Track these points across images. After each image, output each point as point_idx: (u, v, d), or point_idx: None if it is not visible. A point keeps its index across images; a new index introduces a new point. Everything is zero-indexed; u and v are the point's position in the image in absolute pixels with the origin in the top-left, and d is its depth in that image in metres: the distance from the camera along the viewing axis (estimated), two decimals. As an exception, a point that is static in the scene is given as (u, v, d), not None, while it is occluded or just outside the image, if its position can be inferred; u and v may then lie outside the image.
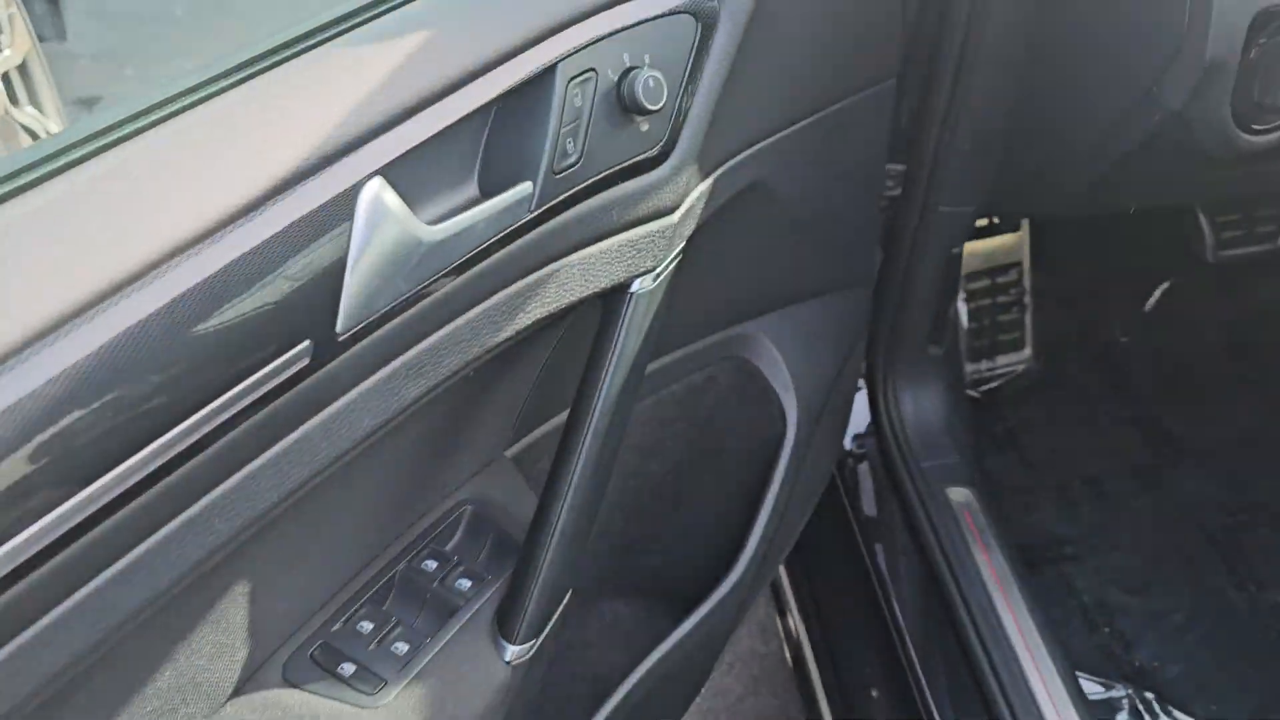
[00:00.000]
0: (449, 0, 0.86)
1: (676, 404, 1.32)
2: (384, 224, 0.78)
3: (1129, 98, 1.28)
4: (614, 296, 1.01)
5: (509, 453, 1.15)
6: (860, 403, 1.78)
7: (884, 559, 1.72)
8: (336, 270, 0.76)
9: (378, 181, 0.77)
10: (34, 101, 2.73)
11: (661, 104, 0.93)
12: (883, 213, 1.64)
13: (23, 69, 2.74)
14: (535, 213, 0.89)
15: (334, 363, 0.78)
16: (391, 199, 0.78)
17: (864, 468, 1.77)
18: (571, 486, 1.03)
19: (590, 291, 0.97)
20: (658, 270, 1.02)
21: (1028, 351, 2.04)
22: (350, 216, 0.76)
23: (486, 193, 0.88)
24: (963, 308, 1.96)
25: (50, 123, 2.70)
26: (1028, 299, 2.02)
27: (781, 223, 1.25)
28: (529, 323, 0.93)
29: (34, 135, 2.62)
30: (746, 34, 1.01)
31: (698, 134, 1.00)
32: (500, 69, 0.86)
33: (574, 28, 0.90)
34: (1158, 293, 2.09)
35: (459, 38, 0.85)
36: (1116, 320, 2.10)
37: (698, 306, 1.25)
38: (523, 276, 0.91)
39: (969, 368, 2.00)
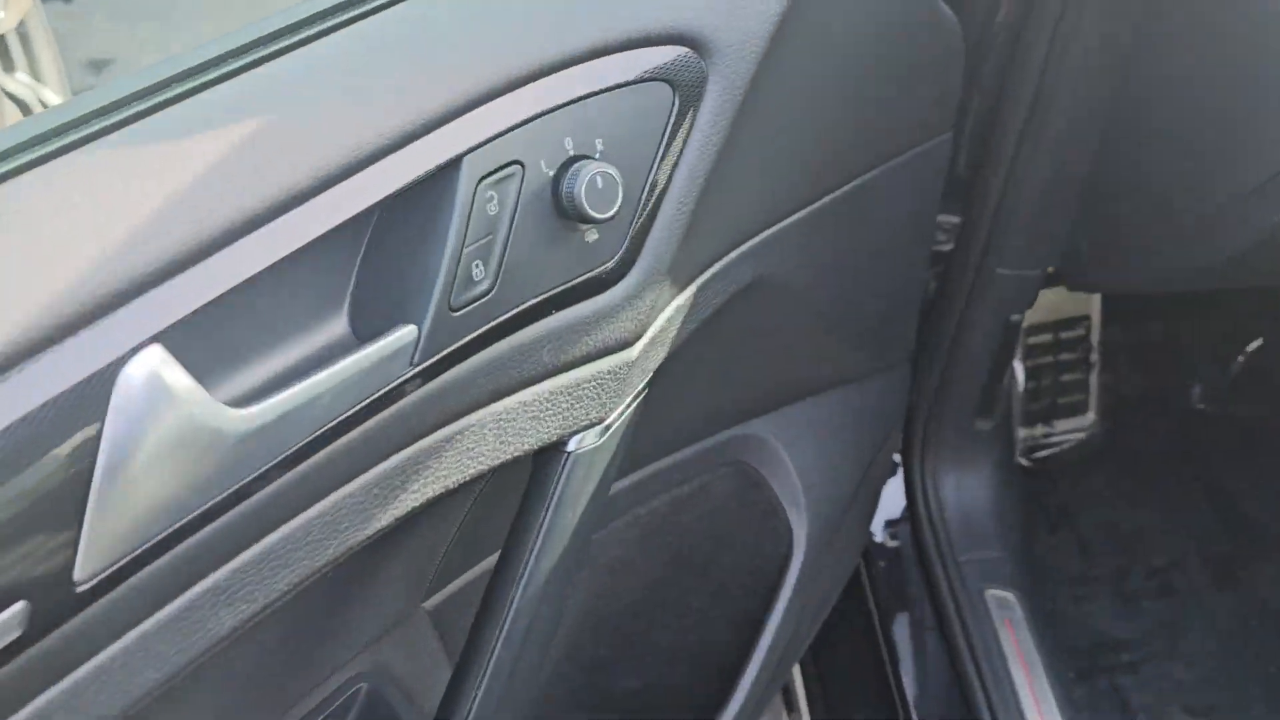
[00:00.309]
0: (296, 69, 0.59)
1: (657, 521, 1.05)
2: (160, 417, 0.51)
3: (1256, 177, 0.98)
4: (545, 455, 0.74)
5: (428, 604, 0.89)
6: (895, 483, 1.50)
7: (910, 666, 1.45)
8: (71, 496, 0.49)
9: (154, 354, 0.51)
10: (33, 67, 2.48)
11: (615, 210, 0.65)
12: (931, 269, 1.35)
13: (21, 31, 2.49)
14: (419, 367, 0.62)
15: (72, 622, 0.52)
16: (176, 378, 0.51)
17: (894, 558, 1.49)
18: (484, 684, 0.77)
19: (506, 457, 0.70)
20: (608, 422, 0.74)
21: (1091, 416, 1.74)
22: (100, 413, 0.49)
23: (362, 335, 0.62)
24: (1019, 366, 1.66)
25: (46, 91, 2.45)
26: (1094, 357, 1.71)
27: (797, 315, 0.97)
28: (416, 504, 0.67)
29: (24, 107, 2.38)
30: (749, 100, 0.73)
31: (670, 239, 0.72)
32: (373, 169, 0.59)
33: (489, 106, 0.62)
34: (1246, 353, 1.77)
35: (307, 126, 0.57)
36: (1196, 383, 1.79)
37: (685, 409, 0.98)
38: (403, 447, 0.64)
39: (1022, 433, 1.70)
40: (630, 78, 0.67)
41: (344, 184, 0.58)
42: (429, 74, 0.61)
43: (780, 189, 0.84)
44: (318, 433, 0.58)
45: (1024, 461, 1.72)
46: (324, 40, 0.60)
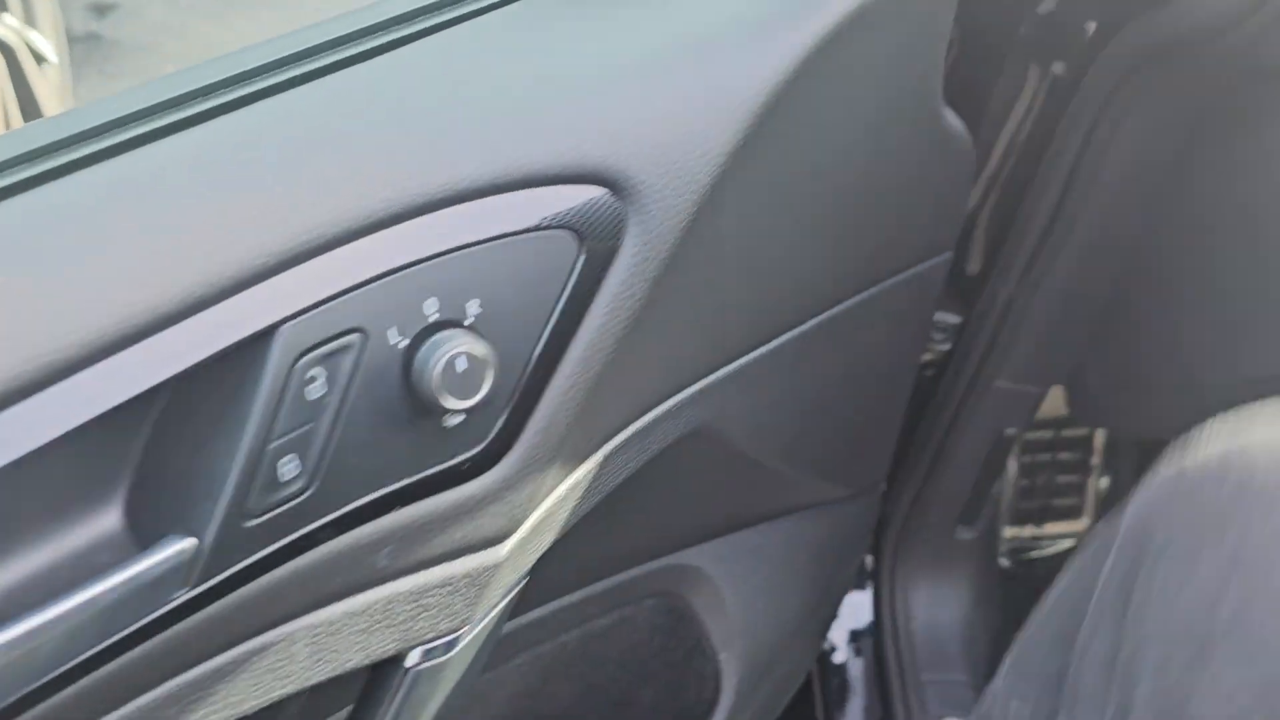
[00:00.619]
0: (55, 207, 0.44)
1: (566, 656, 0.91)
2: None
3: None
4: (379, 667, 0.59)
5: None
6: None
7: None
8: None
9: None
10: (26, 8, 2.33)
11: (481, 396, 0.50)
12: (921, 368, 1.20)
13: (15, -32, 2.34)
14: (197, 589, 0.47)
15: None
16: None
17: (851, 675, 1.34)
18: None
19: (323, 678, 0.56)
20: (459, 635, 0.60)
21: (1086, 521, 1.58)
22: None
23: (142, 534, 0.48)
24: (1012, 461, 1.51)
25: (34, 34, 2.31)
26: (1096, 459, 1.56)
27: (748, 458, 0.82)
28: None
29: (8, 52, 2.23)
30: (684, 246, 0.58)
31: (561, 417, 0.57)
32: (154, 342, 0.44)
33: (322, 260, 0.47)
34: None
35: (65, 282, 0.43)
36: (1203, 496, 1.63)
37: (602, 543, 0.83)
38: (176, 674, 0.50)
39: (1008, 532, 1.55)
40: (522, 225, 0.52)
41: (109, 361, 0.44)
42: (235, 217, 0.46)
43: (728, 333, 0.69)
44: (39, 684, 0.44)
45: (1005, 563, 1.57)
46: (97, 168, 0.45)
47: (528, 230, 0.52)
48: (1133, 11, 0.85)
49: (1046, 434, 1.54)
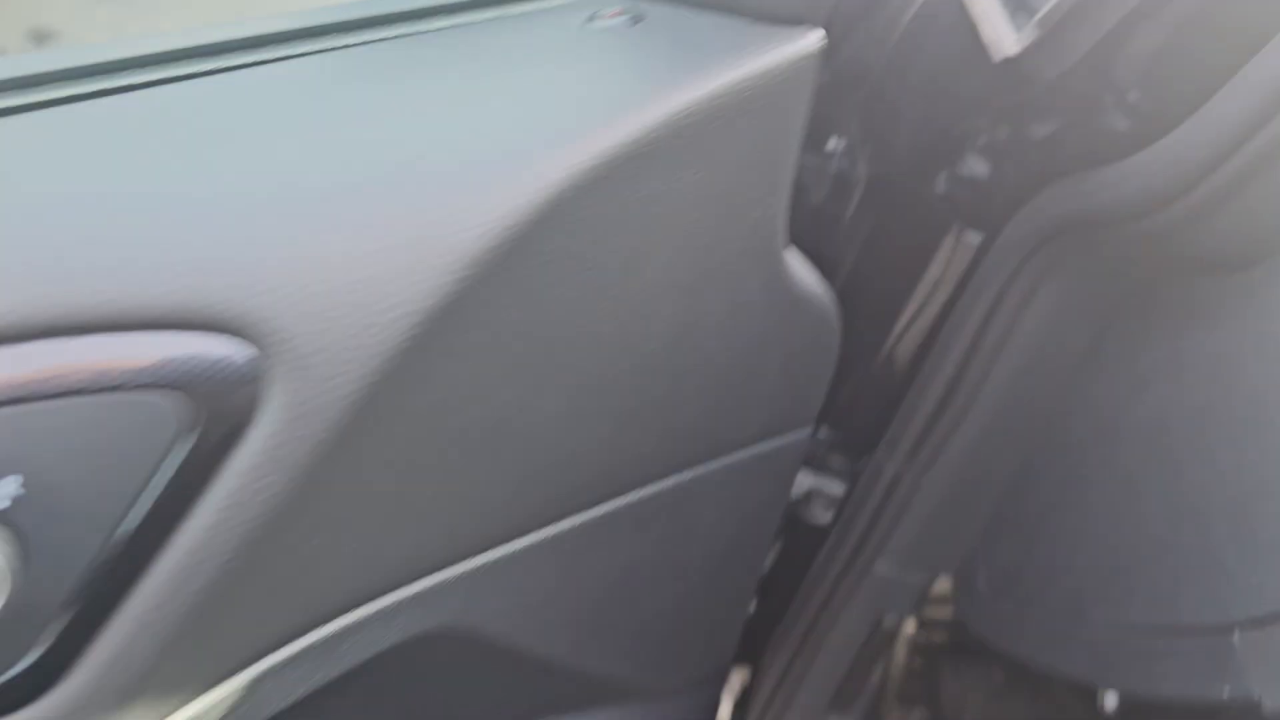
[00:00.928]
0: None
1: None
2: None
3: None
4: None
5: None
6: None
7: None
8: None
9: None
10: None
11: None
12: (799, 536, 1.04)
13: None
14: None
15: None
16: None
17: None
18: None
19: None
20: None
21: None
22: None
23: None
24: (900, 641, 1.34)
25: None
26: (1000, 645, 1.39)
27: (521, 657, 0.66)
28: None
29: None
30: (360, 423, 0.42)
31: (144, 643, 0.41)
32: None
33: None
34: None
35: None
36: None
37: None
38: None
39: (894, 714, 1.38)
40: (98, 381, 0.36)
41: None
42: None
43: (464, 523, 0.53)
44: None
45: (889, 748, 1.40)
46: None
47: (107, 388, 0.37)
48: (1051, 176, 0.72)
49: (945, 612, 1.39)
